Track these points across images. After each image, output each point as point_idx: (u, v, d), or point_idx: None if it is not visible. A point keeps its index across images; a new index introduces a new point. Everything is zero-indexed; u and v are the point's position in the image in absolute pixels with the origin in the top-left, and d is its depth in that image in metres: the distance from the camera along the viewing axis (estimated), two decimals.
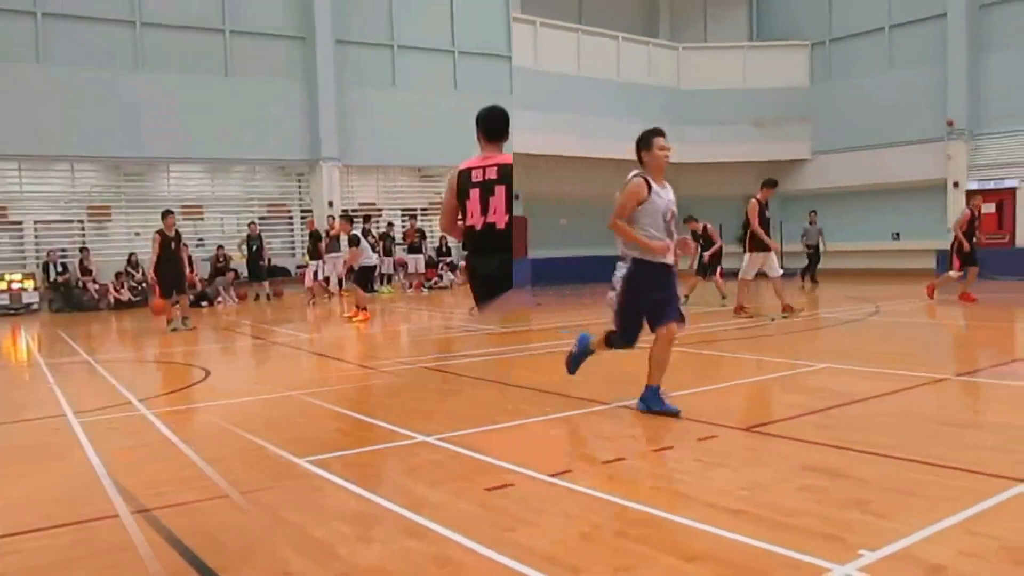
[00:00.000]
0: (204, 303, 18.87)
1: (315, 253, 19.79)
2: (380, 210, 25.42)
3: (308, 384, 7.73)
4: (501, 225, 4.71)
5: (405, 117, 24.06)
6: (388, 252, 22.76)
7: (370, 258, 14.21)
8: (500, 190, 4.74)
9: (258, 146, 22.09)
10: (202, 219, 22.77)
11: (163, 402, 7.14)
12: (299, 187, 24.08)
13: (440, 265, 24.05)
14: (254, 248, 20.65)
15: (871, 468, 4.25)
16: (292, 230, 24.18)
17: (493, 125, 5.04)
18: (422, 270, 22.63)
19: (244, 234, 21.05)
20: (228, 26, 21.83)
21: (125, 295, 19.04)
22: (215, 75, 21.61)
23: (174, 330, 13.00)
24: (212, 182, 23.09)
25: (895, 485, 3.95)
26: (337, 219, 21.83)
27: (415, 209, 26.12)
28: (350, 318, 13.73)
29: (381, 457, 5.00)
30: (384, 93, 24.20)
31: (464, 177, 4.89)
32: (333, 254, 20.86)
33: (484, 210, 4.75)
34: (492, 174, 4.79)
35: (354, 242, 14.07)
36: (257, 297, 20.65)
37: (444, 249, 24.69)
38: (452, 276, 23.93)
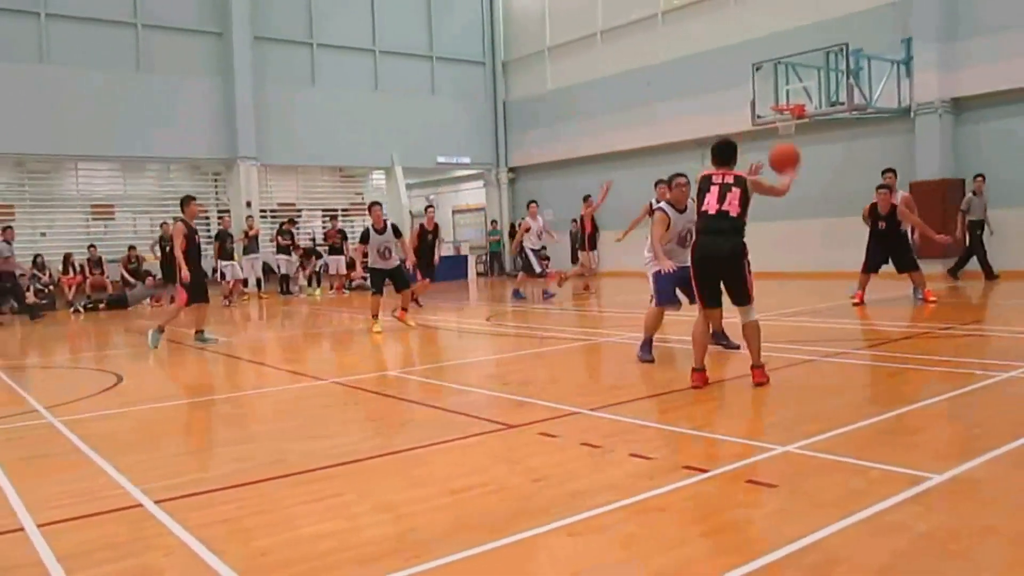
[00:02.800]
0: (125, 305, 18.31)
1: (225, 253, 19.27)
2: (300, 211, 25.01)
3: (229, 389, 7.54)
4: None
5: (325, 116, 23.76)
6: (314, 254, 22.42)
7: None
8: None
9: (172, 144, 21.42)
10: (113, 219, 22.01)
11: (70, 410, 6.85)
12: (216, 187, 23.48)
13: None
14: (167, 249, 20.00)
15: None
16: (209, 230, 23.56)
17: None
18: (344, 271, 22.29)
19: (157, 235, 20.39)
20: (140, 20, 21.11)
21: (31, 298, 18.22)
22: (126, 70, 20.88)
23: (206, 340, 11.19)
24: (124, 181, 22.34)
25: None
26: (256, 219, 21.41)
27: (336, 210, 25.79)
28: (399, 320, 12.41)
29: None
30: (304, 92, 23.82)
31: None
32: (251, 255, 20.41)
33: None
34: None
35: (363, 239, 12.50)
36: (172, 299, 20.00)
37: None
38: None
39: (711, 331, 7.21)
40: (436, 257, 15.68)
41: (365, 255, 12.29)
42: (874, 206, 12.11)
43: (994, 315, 11.35)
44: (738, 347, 8.09)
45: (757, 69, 16.89)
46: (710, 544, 3.29)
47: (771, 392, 6.35)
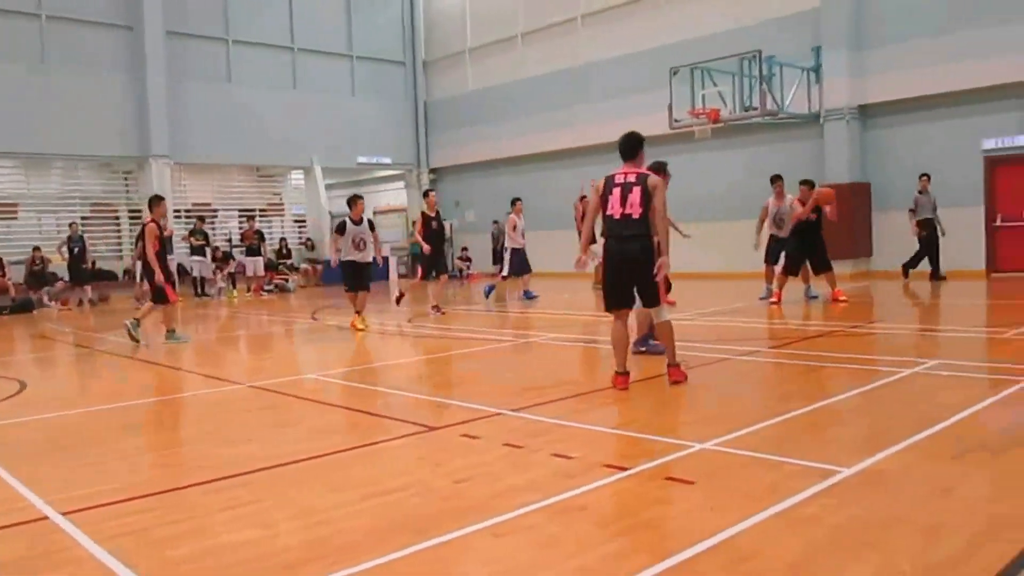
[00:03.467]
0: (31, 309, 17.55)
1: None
2: (215, 210, 24.42)
3: (141, 395, 7.31)
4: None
5: (242, 115, 23.28)
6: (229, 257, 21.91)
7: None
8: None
9: (79, 141, 20.64)
10: (16, 218, 21.10)
11: None
12: (127, 185, 22.73)
13: (280, 267, 23.30)
14: (75, 250, 19.27)
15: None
16: (119, 231, 22.79)
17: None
18: (261, 273, 21.84)
19: (64, 235, 19.61)
20: (44, 11, 20.28)
21: None
22: (29, 63, 20.03)
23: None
24: (27, 179, 21.44)
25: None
26: (170, 219, 20.78)
27: (253, 210, 25.27)
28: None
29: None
30: (220, 89, 23.26)
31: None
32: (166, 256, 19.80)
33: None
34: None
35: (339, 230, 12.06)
36: (80, 303, 19.29)
37: (285, 251, 23.97)
38: (296, 279, 23.29)
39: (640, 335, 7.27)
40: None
41: (339, 249, 12.02)
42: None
43: (898, 313, 11.82)
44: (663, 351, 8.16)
45: (674, 73, 17.23)
46: (630, 541, 3.33)
47: (689, 390, 6.47)
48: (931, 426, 4.82)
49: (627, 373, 6.54)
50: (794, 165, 16.75)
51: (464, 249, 26.59)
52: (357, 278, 12.05)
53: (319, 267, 24.99)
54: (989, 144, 16.11)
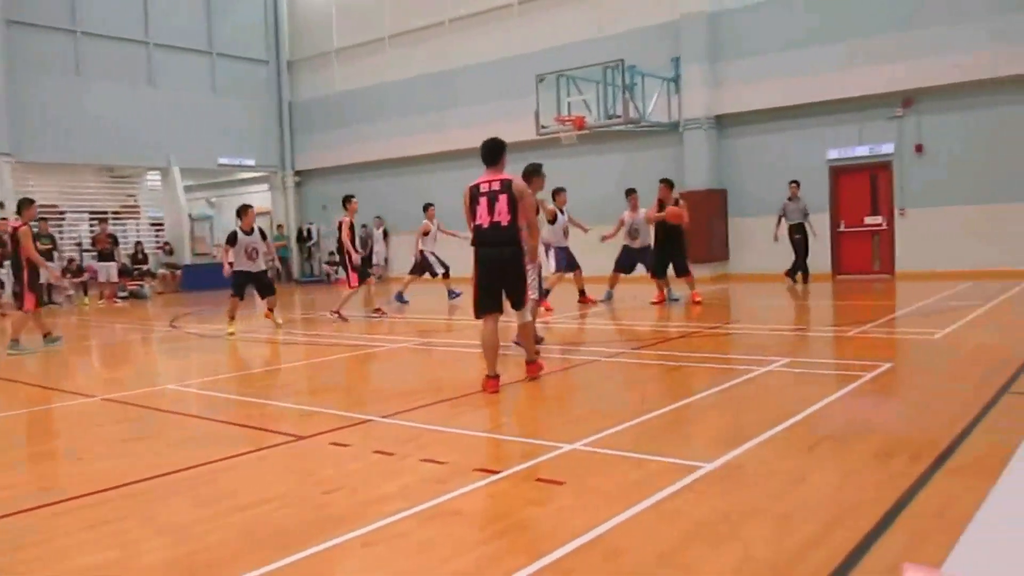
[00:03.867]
0: None
1: None
2: (63, 212, 23.02)
3: None
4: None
5: (92, 111, 22.02)
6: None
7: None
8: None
9: None
10: None
11: None
12: None
13: (136, 273, 22.19)
14: None
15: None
16: None
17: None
18: (115, 279, 20.74)
19: None
20: None
21: None
22: None
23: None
24: None
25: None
26: (11, 222, 19.41)
27: (106, 212, 23.93)
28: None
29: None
30: (67, 83, 21.92)
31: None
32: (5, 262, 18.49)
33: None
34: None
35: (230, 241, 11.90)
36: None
37: (140, 256, 22.85)
38: (152, 285, 22.25)
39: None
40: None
41: (231, 262, 11.85)
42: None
43: (753, 315, 12.42)
44: (541, 339, 8.55)
45: (540, 80, 17.51)
46: (504, 544, 3.36)
47: (558, 392, 6.59)
48: (784, 421, 5.09)
49: (497, 376, 6.60)
50: (655, 172, 17.32)
51: (331, 254, 26.11)
52: (255, 286, 12.22)
53: (178, 273, 23.97)
54: (833, 154, 17.20)
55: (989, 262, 15.24)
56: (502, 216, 6.45)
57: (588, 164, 19.80)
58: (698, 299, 12.82)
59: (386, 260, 24.51)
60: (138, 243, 23.37)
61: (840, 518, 3.43)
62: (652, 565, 3.05)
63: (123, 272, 21.45)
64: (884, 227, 16.98)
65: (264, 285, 12.32)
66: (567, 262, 13.16)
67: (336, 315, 13.12)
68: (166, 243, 24.56)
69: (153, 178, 25.39)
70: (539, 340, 8.70)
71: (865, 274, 17.08)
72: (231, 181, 29.47)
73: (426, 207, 15.81)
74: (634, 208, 13.37)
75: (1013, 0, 14.88)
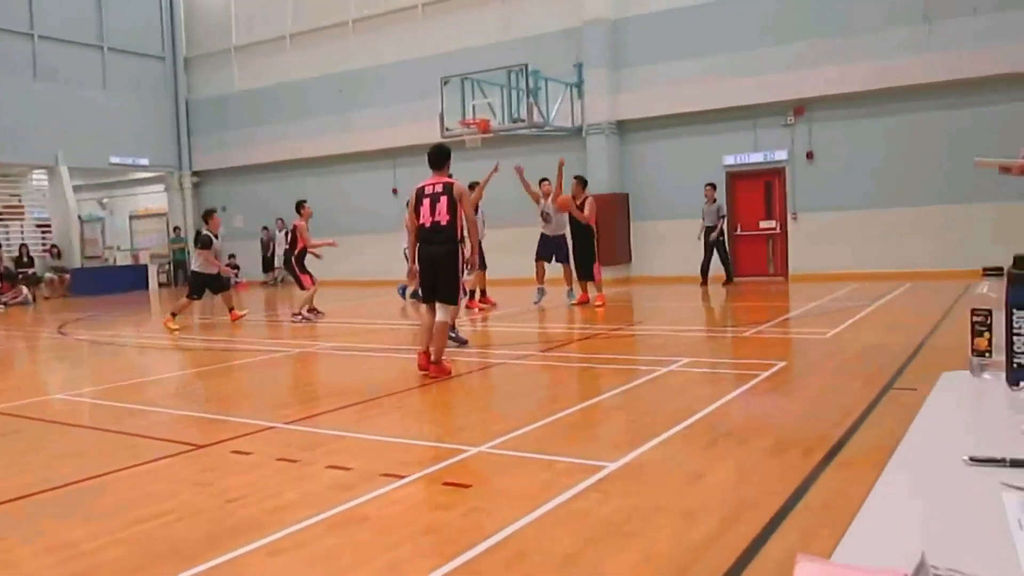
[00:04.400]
0: None
1: None
2: None
3: None
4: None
5: None
6: None
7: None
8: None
9: None
10: None
11: None
12: None
13: (20, 277, 21.08)
14: None
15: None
16: None
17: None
18: None
19: None
20: None
21: None
22: None
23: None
24: None
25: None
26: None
27: None
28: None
29: None
30: None
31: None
32: None
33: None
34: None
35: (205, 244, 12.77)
36: None
37: (26, 259, 21.73)
38: (39, 290, 21.18)
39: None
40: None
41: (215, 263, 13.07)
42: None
43: (655, 316, 12.71)
44: (466, 342, 8.97)
45: (445, 83, 17.49)
46: (412, 549, 3.34)
47: (464, 395, 6.59)
48: (685, 419, 5.23)
49: (428, 352, 7.21)
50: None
51: (232, 256, 25.42)
52: (211, 287, 13.01)
53: (67, 276, 22.91)
54: (729, 160, 17.76)
55: (875, 264, 16.02)
56: (441, 216, 7.11)
57: (491, 167, 19.84)
58: (599, 303, 12.90)
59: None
60: (23, 245, 22.24)
61: (739, 512, 3.54)
62: (558, 565, 3.09)
63: (6, 276, 20.38)
64: (778, 231, 17.63)
65: (221, 284, 13.12)
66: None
67: (300, 317, 12.89)
68: (53, 246, 23.44)
69: (39, 177, 24.20)
70: (463, 343, 8.85)
71: (760, 276, 17.69)
72: (124, 181, 28.36)
73: (300, 205, 15.44)
74: (546, 195, 13.50)
75: (896, 15, 15.70)
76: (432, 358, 7.19)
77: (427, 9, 21.31)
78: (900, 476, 1.43)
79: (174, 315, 12.49)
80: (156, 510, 3.92)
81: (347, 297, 16.58)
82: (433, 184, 7.24)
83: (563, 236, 13.47)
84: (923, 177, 15.75)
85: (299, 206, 13.24)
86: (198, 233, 12.65)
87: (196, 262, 12.96)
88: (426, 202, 7.18)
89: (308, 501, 3.94)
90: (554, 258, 13.43)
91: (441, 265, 7.16)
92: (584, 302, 13.14)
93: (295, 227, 13.19)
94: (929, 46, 15.40)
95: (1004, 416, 1.83)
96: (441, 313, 7.21)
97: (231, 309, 13.19)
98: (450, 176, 7.46)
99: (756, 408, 5.83)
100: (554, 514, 3.61)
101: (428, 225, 7.15)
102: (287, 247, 13.60)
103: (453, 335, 8.89)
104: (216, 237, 12.90)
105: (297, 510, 3.79)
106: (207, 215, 13.08)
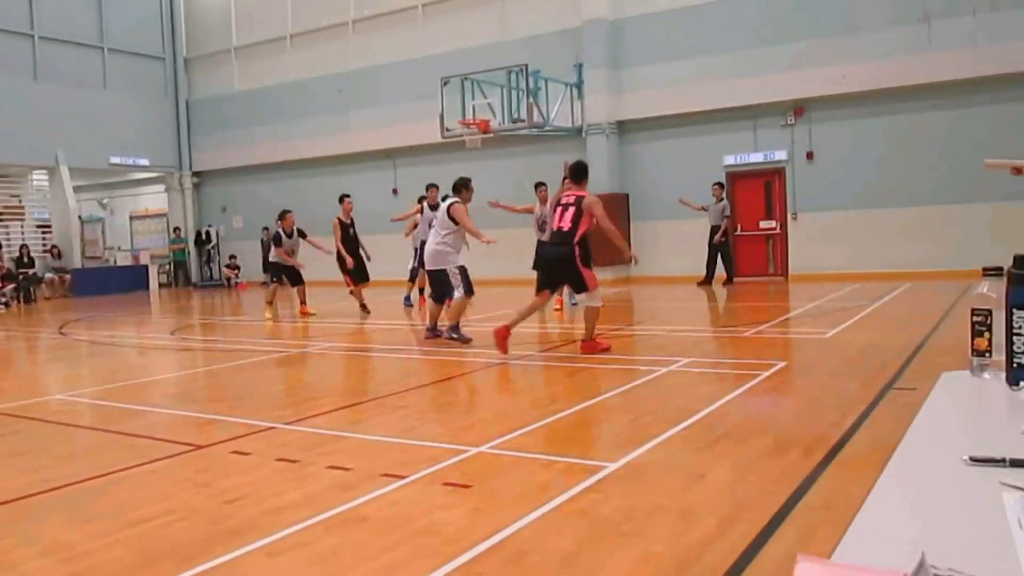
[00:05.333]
0: None
1: None
2: None
3: None
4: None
5: None
6: None
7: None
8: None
9: None
10: None
11: None
12: None
13: (21, 278, 21.08)
14: None
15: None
16: None
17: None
18: None
19: None
20: None
21: None
22: None
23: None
24: None
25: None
26: None
27: None
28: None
29: None
30: None
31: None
32: None
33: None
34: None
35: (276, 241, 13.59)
36: None
37: (26, 259, 21.72)
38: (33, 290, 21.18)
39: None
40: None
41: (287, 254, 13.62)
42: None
43: (655, 316, 12.71)
44: (470, 340, 9.20)
45: (445, 83, 17.49)
46: (411, 549, 3.33)
47: (464, 395, 6.59)
48: (685, 420, 5.22)
49: (508, 327, 8.19)
50: (559, 176, 17.49)
51: (232, 257, 25.44)
52: (293, 277, 13.77)
53: (67, 277, 22.90)
54: (729, 160, 17.76)
55: (875, 264, 16.02)
56: (565, 222, 8.09)
57: (492, 167, 19.86)
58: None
59: None
60: (23, 246, 22.25)
61: (738, 513, 3.54)
62: (558, 564, 3.08)
63: (6, 277, 20.38)
64: (778, 231, 17.63)
65: (297, 277, 13.72)
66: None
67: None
68: (54, 246, 23.44)
69: (40, 177, 24.20)
70: (467, 341, 9.04)
71: (760, 276, 17.69)
72: (125, 182, 28.39)
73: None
74: (543, 201, 13.47)
75: (896, 15, 15.70)
76: (584, 337, 8.22)
77: (427, 9, 21.32)
78: (900, 476, 1.43)
79: (270, 303, 13.64)
80: (156, 510, 3.92)
81: (347, 297, 16.54)
82: (568, 195, 8.29)
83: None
84: (923, 177, 15.75)
85: (341, 200, 13.83)
86: (277, 234, 13.62)
87: (271, 255, 13.82)
88: (559, 209, 8.25)
89: (308, 501, 3.93)
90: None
91: (562, 263, 8.13)
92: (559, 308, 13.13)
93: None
94: (929, 46, 15.41)
95: (1004, 416, 1.83)
96: (585, 299, 8.33)
97: (303, 303, 13.69)
98: (585, 190, 8.35)
99: (756, 408, 5.82)
100: (554, 514, 3.61)
101: (554, 229, 8.25)
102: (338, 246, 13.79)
103: (456, 335, 9.07)
104: (289, 235, 13.57)
105: (297, 510, 3.79)
106: (282, 215, 13.75)
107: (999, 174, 2.96)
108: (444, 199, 14.21)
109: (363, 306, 13.53)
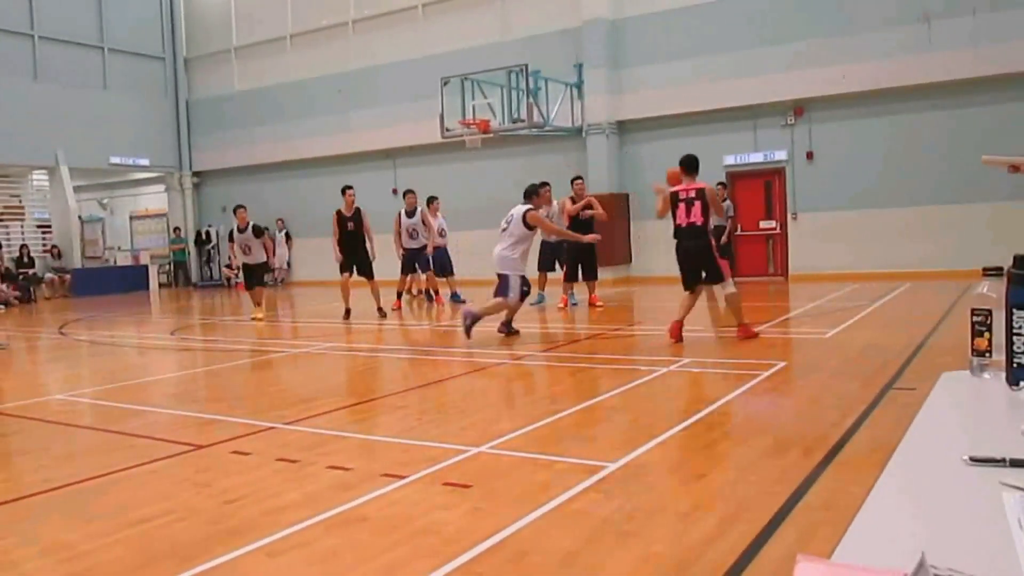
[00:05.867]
0: None
1: None
2: None
3: None
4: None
5: None
6: None
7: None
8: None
9: None
10: None
11: None
12: None
13: (20, 278, 21.06)
14: None
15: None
16: None
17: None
18: None
19: None
20: None
21: None
22: None
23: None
24: None
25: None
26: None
27: None
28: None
29: None
30: None
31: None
32: None
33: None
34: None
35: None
36: None
37: (26, 260, 21.72)
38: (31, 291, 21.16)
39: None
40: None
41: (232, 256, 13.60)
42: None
43: (655, 316, 12.70)
44: (517, 332, 9.69)
45: (445, 83, 17.49)
46: (411, 549, 3.33)
47: (464, 395, 6.59)
48: (685, 419, 5.22)
49: (681, 322, 8.65)
50: (560, 176, 17.51)
51: (232, 257, 25.42)
52: (248, 278, 13.47)
53: (67, 277, 22.90)
54: (729, 160, 17.75)
55: (875, 264, 16.01)
56: (696, 217, 8.30)
57: (492, 167, 19.89)
58: (598, 303, 12.95)
59: (289, 264, 24.07)
60: (23, 246, 22.24)
61: (738, 513, 3.54)
62: (558, 564, 3.08)
63: (7, 277, 20.38)
64: (778, 231, 17.63)
65: (253, 277, 13.35)
66: (440, 264, 13.80)
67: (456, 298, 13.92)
68: (54, 246, 23.44)
69: (40, 177, 24.20)
70: (514, 332, 9.63)
71: (760, 276, 17.69)
72: (125, 182, 28.39)
73: (430, 201, 14.84)
74: (547, 202, 13.45)
75: (896, 16, 15.69)
76: (738, 323, 8.66)
77: (427, 9, 21.32)
78: (900, 476, 1.43)
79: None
80: (156, 510, 3.92)
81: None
82: (687, 190, 8.39)
83: (563, 242, 13.46)
84: (923, 177, 15.75)
85: (430, 201, 14.11)
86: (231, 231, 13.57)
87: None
88: (682, 206, 8.37)
89: (308, 501, 3.93)
90: (556, 265, 13.46)
91: (701, 257, 8.44)
92: (595, 303, 13.20)
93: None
94: (929, 46, 15.41)
95: (1004, 416, 1.83)
96: (721, 289, 8.64)
97: (257, 304, 13.45)
98: (700, 181, 8.53)
99: (756, 408, 5.82)
100: (554, 514, 3.61)
101: (685, 225, 8.38)
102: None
103: (470, 323, 9.31)
104: (241, 231, 13.27)
105: (297, 510, 3.79)
106: (234, 209, 13.66)
107: (999, 174, 2.97)
108: (429, 201, 14.63)
109: (347, 311, 12.91)
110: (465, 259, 16.15)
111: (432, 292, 14.63)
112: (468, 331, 9.28)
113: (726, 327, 9.45)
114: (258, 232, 13.16)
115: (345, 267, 12.89)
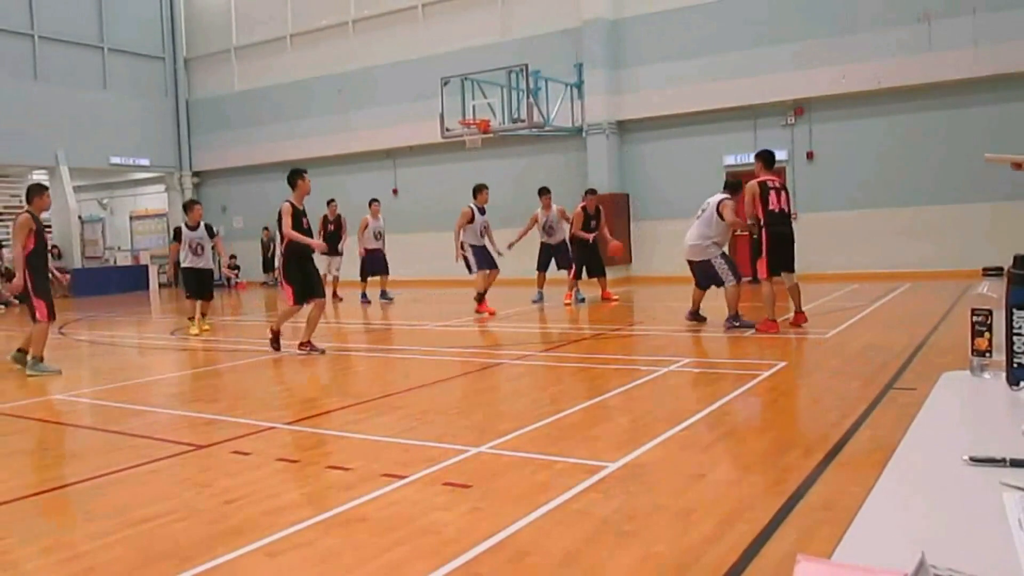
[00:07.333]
0: None
1: None
2: None
3: None
4: None
5: None
6: None
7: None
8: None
9: None
10: None
11: None
12: None
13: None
14: None
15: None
16: None
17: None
18: None
19: None
20: None
21: None
22: None
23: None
24: None
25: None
26: None
27: None
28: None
29: None
30: None
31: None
32: None
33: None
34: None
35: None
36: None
37: None
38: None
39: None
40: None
41: (177, 261, 12.09)
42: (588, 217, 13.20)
43: (655, 316, 12.70)
44: (752, 325, 9.54)
45: (445, 83, 17.49)
46: (410, 549, 3.33)
47: (464, 395, 6.59)
48: (685, 419, 5.22)
49: (774, 321, 9.06)
50: (560, 176, 17.56)
51: (232, 257, 25.40)
52: (198, 285, 11.93)
53: (67, 276, 22.87)
54: (729, 160, 17.74)
55: (875, 264, 16.01)
56: (787, 204, 9.10)
57: (492, 167, 19.86)
58: (614, 297, 13.28)
59: None
60: None
61: (738, 512, 3.54)
62: (558, 564, 3.08)
63: (6, 276, 20.36)
64: None
65: (204, 286, 11.98)
66: (486, 261, 12.98)
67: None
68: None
69: (40, 177, 24.17)
70: (750, 326, 9.57)
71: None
72: (125, 182, 28.37)
73: (477, 190, 13.14)
74: (547, 207, 13.54)
75: (896, 16, 15.69)
76: (796, 308, 9.34)
77: (427, 9, 21.31)
78: (900, 476, 1.43)
79: (203, 315, 12.08)
80: (156, 510, 3.92)
81: (346, 297, 16.58)
82: (774, 179, 9.14)
83: (564, 242, 13.55)
84: (923, 177, 15.75)
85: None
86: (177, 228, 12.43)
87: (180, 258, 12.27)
88: (772, 194, 8.98)
89: (308, 501, 3.94)
90: (556, 265, 13.57)
91: (793, 242, 9.20)
92: (609, 298, 13.32)
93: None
94: (929, 46, 15.40)
95: (1004, 416, 1.83)
96: (788, 279, 9.19)
97: (202, 314, 12.16)
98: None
99: (756, 408, 5.82)
100: (554, 514, 3.61)
101: (778, 211, 9.01)
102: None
103: (738, 323, 9.56)
104: (192, 228, 11.91)
105: (297, 510, 3.79)
106: (186, 205, 12.47)
107: (999, 174, 2.97)
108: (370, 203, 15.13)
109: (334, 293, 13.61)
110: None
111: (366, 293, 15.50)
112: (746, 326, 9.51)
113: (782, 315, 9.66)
114: (211, 232, 12.19)
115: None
